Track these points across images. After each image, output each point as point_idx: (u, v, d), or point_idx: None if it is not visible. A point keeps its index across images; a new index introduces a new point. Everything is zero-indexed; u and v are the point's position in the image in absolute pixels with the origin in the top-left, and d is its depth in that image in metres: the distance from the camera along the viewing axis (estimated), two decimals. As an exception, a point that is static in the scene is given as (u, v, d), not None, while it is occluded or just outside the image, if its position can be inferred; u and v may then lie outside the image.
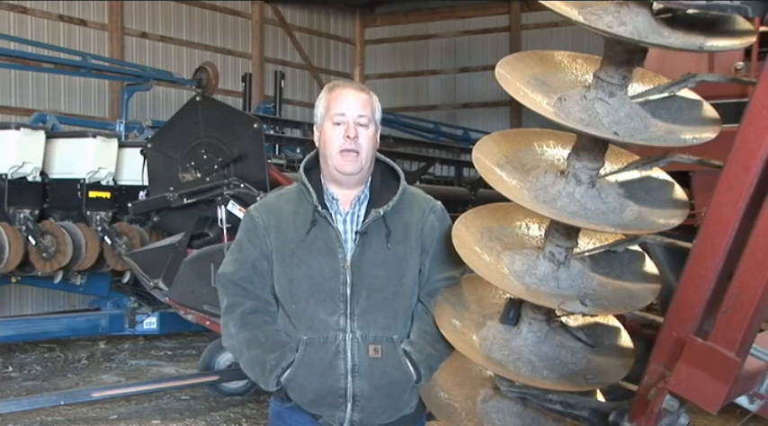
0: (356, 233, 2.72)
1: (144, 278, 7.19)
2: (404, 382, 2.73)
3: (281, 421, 2.82)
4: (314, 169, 2.81)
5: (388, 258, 2.72)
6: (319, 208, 2.71)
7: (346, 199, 2.75)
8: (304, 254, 2.71)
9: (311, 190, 2.73)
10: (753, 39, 2.64)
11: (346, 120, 2.70)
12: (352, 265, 2.69)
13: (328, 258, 2.70)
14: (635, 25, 2.54)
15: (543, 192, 2.75)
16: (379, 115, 2.78)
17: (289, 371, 2.68)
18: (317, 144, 2.80)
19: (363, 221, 2.72)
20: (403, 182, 2.81)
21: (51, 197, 8.53)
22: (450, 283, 2.85)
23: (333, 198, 2.75)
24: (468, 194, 10.44)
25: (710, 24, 2.63)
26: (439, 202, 2.89)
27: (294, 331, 2.73)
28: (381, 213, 2.71)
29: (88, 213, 8.57)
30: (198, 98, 7.82)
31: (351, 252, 2.70)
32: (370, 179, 2.79)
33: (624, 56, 2.66)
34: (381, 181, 2.81)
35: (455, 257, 2.78)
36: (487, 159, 2.82)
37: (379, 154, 2.82)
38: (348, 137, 2.68)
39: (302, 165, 2.82)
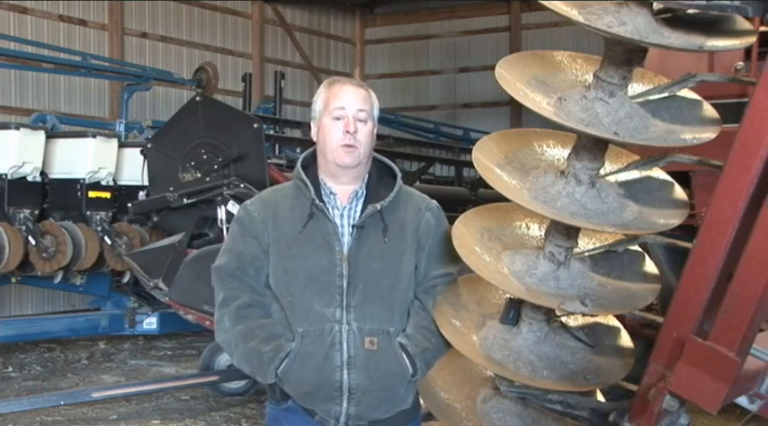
0: (353, 226, 2.73)
1: (144, 278, 7.18)
2: (400, 375, 2.72)
3: (278, 423, 2.82)
4: (311, 166, 2.82)
5: (385, 252, 2.73)
6: (317, 201, 2.72)
7: (344, 195, 2.77)
8: (300, 247, 2.72)
9: (309, 184, 2.74)
10: (753, 40, 2.64)
11: (346, 115, 2.71)
12: (349, 257, 2.70)
13: (325, 250, 2.71)
14: (635, 25, 2.54)
15: (543, 192, 2.75)
16: (377, 112, 2.80)
17: (285, 362, 2.68)
18: (314, 139, 2.81)
19: (360, 216, 2.73)
20: (399, 180, 2.82)
21: (51, 197, 8.52)
22: (447, 280, 2.85)
23: (330, 192, 2.76)
24: (468, 194, 10.44)
25: (710, 24, 2.63)
26: (435, 201, 2.90)
27: (290, 324, 2.72)
28: (378, 208, 2.72)
29: (88, 213, 8.55)
30: (198, 98, 7.82)
31: (347, 245, 2.71)
32: (367, 176, 2.80)
33: (624, 56, 2.66)
34: (378, 179, 2.82)
35: (451, 254, 2.79)
36: (487, 159, 2.83)
37: (375, 153, 2.84)
38: (348, 132, 2.70)
39: (299, 162, 2.83)
